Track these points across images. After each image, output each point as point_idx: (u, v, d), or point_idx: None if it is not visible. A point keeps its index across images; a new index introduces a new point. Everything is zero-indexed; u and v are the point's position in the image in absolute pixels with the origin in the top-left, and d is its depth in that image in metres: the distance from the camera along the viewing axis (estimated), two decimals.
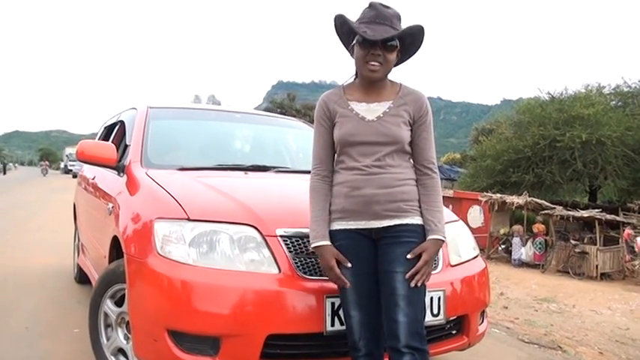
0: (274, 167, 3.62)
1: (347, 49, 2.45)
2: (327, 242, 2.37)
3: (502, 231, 14.40)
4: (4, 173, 56.65)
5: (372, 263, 2.36)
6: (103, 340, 3.07)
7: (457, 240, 3.09)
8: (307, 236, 2.51)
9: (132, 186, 3.22)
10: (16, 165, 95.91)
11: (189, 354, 2.41)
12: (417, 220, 2.37)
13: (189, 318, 2.40)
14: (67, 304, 4.90)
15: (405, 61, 2.49)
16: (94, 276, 3.99)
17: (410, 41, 2.40)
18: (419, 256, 2.31)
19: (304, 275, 2.47)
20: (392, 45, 2.32)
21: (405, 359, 2.20)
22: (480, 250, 13.03)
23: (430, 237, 2.35)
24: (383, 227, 2.34)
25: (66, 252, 6.65)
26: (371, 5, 2.35)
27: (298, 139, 4.45)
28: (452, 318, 2.82)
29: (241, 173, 3.40)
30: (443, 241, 2.38)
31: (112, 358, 3.00)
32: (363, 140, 2.37)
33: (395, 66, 2.43)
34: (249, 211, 2.63)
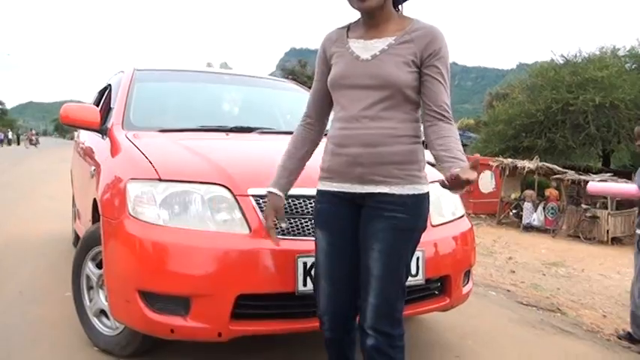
0: (258, 128, 3.57)
1: None
2: (275, 190, 2.23)
3: (513, 196, 14.28)
4: (18, 144, 57.39)
5: (352, 236, 2.09)
6: (86, 301, 3.09)
7: (441, 200, 3.03)
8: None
9: (112, 148, 3.19)
10: None
11: (160, 314, 2.41)
12: (407, 189, 1.99)
13: (159, 279, 2.39)
14: (63, 269, 4.90)
15: None
16: None
17: None
18: (402, 233, 2.00)
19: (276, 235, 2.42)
20: None
21: (368, 341, 2.01)
22: (491, 215, 12.96)
23: (454, 171, 1.79)
24: (367, 193, 2.02)
25: (67, 218, 6.69)
26: None
27: (288, 101, 4.38)
28: (432, 279, 2.78)
29: (223, 134, 3.36)
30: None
31: (95, 319, 3.03)
32: (352, 83, 2.03)
33: (400, 1, 2.11)
34: (221, 170, 2.60)
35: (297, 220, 2.50)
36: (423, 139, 2.07)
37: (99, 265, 3.00)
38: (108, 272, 2.66)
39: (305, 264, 2.38)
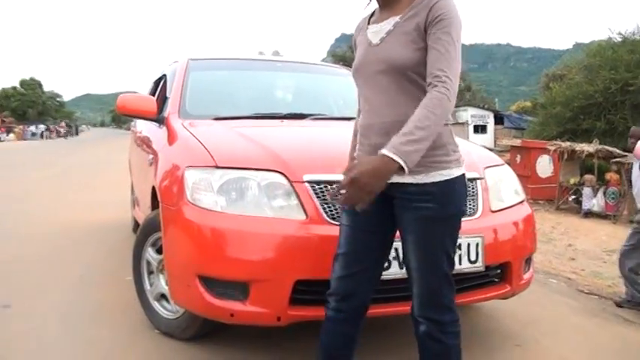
0: (312, 114, 3.56)
1: None
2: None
3: (572, 181, 13.88)
4: (77, 134, 59.29)
5: (376, 222, 2.01)
6: (147, 286, 3.17)
7: (500, 185, 2.97)
8: (336, 182, 2.46)
9: (169, 137, 3.25)
10: (89, 127, 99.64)
11: (219, 299, 2.45)
12: (432, 177, 1.88)
13: (218, 264, 2.43)
14: (122, 254, 5.05)
15: None
16: None
17: None
18: (432, 223, 1.90)
19: (332, 221, 2.42)
20: None
21: (420, 328, 1.98)
22: (550, 200, 12.63)
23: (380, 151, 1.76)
24: (391, 184, 1.85)
25: (126, 206, 6.88)
26: None
27: (341, 87, 4.36)
28: (492, 265, 2.72)
29: (277, 121, 3.38)
30: (391, 161, 1.71)
31: (155, 302, 3.11)
32: (366, 70, 1.98)
33: None
34: (277, 157, 2.61)
35: None
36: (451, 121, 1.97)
37: (159, 251, 3.06)
38: (168, 258, 2.72)
39: None
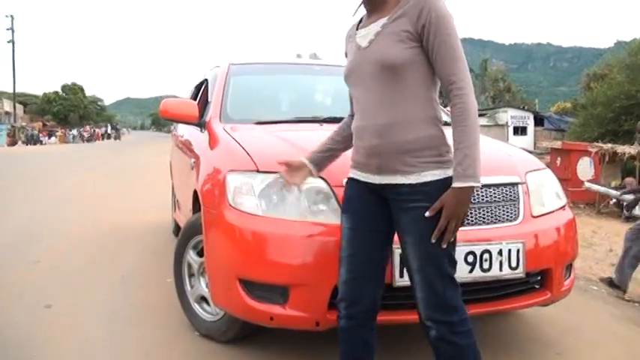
0: None
1: None
2: (305, 160, 2.35)
3: (613, 183, 13.57)
4: (119, 138, 60.66)
5: (376, 221, 2.07)
6: (187, 288, 3.22)
7: (541, 189, 2.93)
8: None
9: (211, 141, 3.30)
10: (129, 130, 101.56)
11: (259, 302, 2.48)
12: (428, 177, 1.91)
13: (258, 267, 2.46)
14: (163, 256, 5.15)
15: None
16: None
17: None
18: (427, 220, 1.91)
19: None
20: None
21: (431, 333, 1.99)
22: (590, 204, 12.36)
23: (452, 185, 1.87)
24: (385, 184, 1.97)
25: (166, 209, 6.99)
26: None
27: None
28: (533, 272, 2.70)
29: (316, 125, 3.39)
30: (465, 187, 1.85)
31: (196, 304, 3.15)
32: (357, 74, 2.02)
33: None
34: None
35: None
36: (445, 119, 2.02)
37: (200, 254, 3.11)
38: (209, 260, 2.76)
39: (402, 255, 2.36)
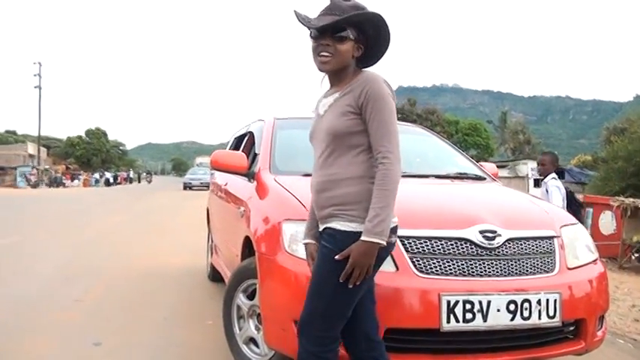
0: None
1: None
2: (310, 240, 2.45)
3: (635, 238, 13.48)
4: (139, 182, 61.48)
5: None
6: (236, 330, 3.36)
7: (575, 243, 3.09)
8: (424, 237, 2.67)
9: (261, 191, 3.50)
10: (151, 174, 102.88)
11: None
12: (340, 226, 2.17)
13: None
14: (201, 299, 5.35)
15: (379, 57, 2.35)
16: (227, 273, 4.34)
17: (374, 32, 2.25)
18: (324, 256, 2.21)
19: (421, 274, 2.61)
20: (342, 36, 2.19)
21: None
22: (612, 258, 12.27)
23: (361, 237, 2.10)
24: (323, 228, 2.29)
25: (198, 253, 7.19)
26: None
27: (415, 144, 4.56)
28: (568, 321, 2.83)
29: None
30: (370, 242, 2.08)
31: (244, 346, 3.29)
32: (314, 137, 2.38)
33: (371, 63, 2.34)
34: None
35: (440, 260, 2.65)
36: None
37: (250, 297, 3.28)
38: (264, 303, 2.92)
39: (449, 302, 2.52)
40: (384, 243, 2.10)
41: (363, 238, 2.09)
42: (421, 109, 51.56)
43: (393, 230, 2.24)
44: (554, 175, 6.49)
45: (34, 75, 51.79)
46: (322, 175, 2.26)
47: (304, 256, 2.66)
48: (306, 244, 2.48)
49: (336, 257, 2.13)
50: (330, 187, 2.22)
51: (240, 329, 3.36)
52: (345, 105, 2.21)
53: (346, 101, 2.21)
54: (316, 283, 2.24)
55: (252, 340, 3.28)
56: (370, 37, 2.26)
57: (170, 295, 5.54)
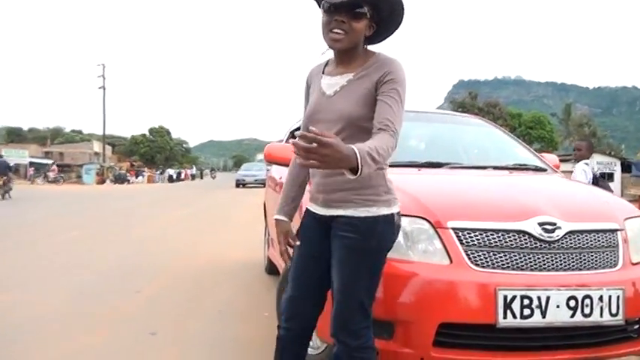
0: (448, 163, 3.67)
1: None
2: (281, 217, 2.41)
3: None
4: (202, 178, 63.04)
5: (322, 249, 2.22)
6: None
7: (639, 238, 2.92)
8: (479, 230, 2.58)
9: None
10: (215, 171, 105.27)
11: None
12: (362, 212, 2.10)
13: None
14: (257, 292, 5.38)
15: (386, 37, 2.24)
16: (282, 266, 4.34)
17: (388, 12, 2.15)
18: (352, 251, 2.11)
19: (476, 267, 2.52)
20: (359, 12, 2.07)
21: (334, 349, 2.21)
22: None
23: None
24: (330, 216, 2.19)
25: (255, 247, 7.25)
26: None
27: (473, 135, 4.45)
28: (631, 319, 2.67)
29: (415, 170, 3.51)
30: (354, 155, 1.72)
31: None
32: (318, 117, 2.20)
33: (376, 41, 2.22)
34: (421, 204, 2.73)
35: (496, 253, 2.55)
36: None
37: None
38: None
39: (505, 297, 2.42)
40: (358, 174, 1.75)
41: (353, 146, 1.74)
42: (483, 102, 50.65)
43: (399, 214, 2.23)
44: (587, 160, 6.63)
45: (98, 76, 53.54)
46: None
47: None
48: (279, 221, 2.41)
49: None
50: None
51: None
52: (363, 88, 2.11)
53: (363, 84, 2.11)
54: (349, 277, 2.13)
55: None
56: (383, 17, 2.16)
57: (227, 288, 5.61)
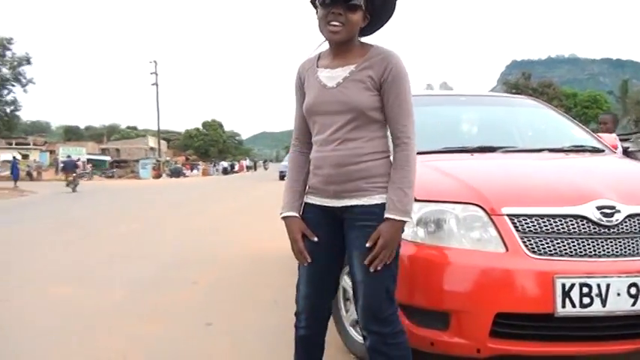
0: (501, 147, 3.57)
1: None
2: (294, 213, 2.32)
3: None
4: (255, 169, 63.75)
5: (332, 241, 2.26)
6: (343, 312, 3.34)
7: None
8: (536, 215, 2.49)
9: None
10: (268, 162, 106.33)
11: (420, 327, 2.55)
12: (377, 199, 2.14)
13: (418, 293, 2.54)
14: None
15: (379, 28, 2.29)
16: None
17: (381, 2, 2.20)
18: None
19: (533, 255, 2.43)
20: (354, 4, 2.11)
21: (366, 342, 2.20)
22: None
23: (385, 216, 2.08)
24: (343, 207, 2.19)
25: None
26: None
27: (527, 118, 4.34)
28: None
29: (467, 155, 3.43)
30: (401, 221, 2.06)
31: (351, 328, 3.26)
32: (321, 109, 2.21)
33: (369, 33, 2.27)
34: (474, 190, 2.67)
35: (553, 239, 2.46)
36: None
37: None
38: None
39: (564, 285, 2.34)
40: (411, 220, 2.12)
41: (394, 217, 2.06)
42: (536, 82, 49.36)
43: None
44: (614, 135, 6.33)
45: (151, 73, 54.54)
46: (342, 149, 2.16)
47: (408, 237, 2.60)
48: (292, 218, 2.32)
49: (367, 244, 2.09)
50: (354, 161, 2.14)
51: (346, 311, 3.33)
52: (366, 78, 2.15)
53: (367, 74, 2.15)
54: (374, 273, 2.12)
55: (358, 323, 3.23)
56: (377, 6, 2.20)
57: (281, 278, 5.62)
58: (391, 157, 2.19)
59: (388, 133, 2.21)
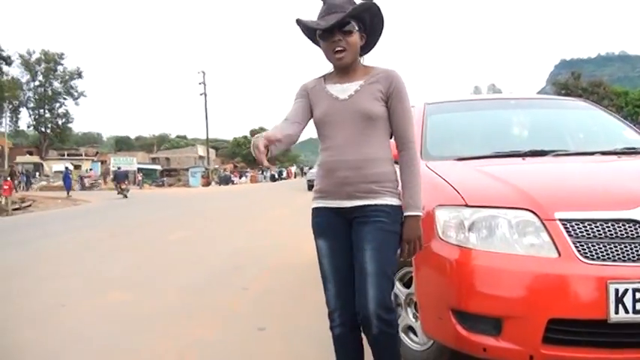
0: (553, 151, 3.52)
1: (319, 47, 2.51)
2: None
3: None
4: (302, 175, 64.37)
5: (347, 240, 2.48)
6: None
7: None
8: (588, 220, 2.47)
9: None
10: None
11: (471, 332, 2.54)
12: (388, 200, 2.41)
13: (470, 299, 2.54)
14: None
15: (377, 41, 2.58)
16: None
17: (370, 19, 2.46)
18: (387, 233, 2.39)
19: (586, 260, 2.41)
20: (349, 29, 2.39)
21: (374, 329, 2.33)
22: None
23: (405, 214, 2.41)
24: (354, 207, 2.42)
25: None
26: (323, 1, 2.44)
27: (578, 120, 4.28)
28: None
29: (519, 159, 3.41)
30: (418, 216, 2.41)
31: (402, 334, 3.27)
32: (335, 119, 2.45)
33: (369, 49, 2.58)
34: (526, 195, 2.65)
35: (606, 244, 2.43)
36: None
37: (406, 285, 3.26)
38: (420, 291, 2.90)
39: (617, 290, 2.30)
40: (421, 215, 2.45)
41: (412, 213, 2.41)
42: (586, 82, 48.02)
43: None
44: None
45: (199, 83, 55.41)
46: (357, 154, 2.40)
47: (459, 243, 2.63)
48: (258, 138, 2.15)
49: (405, 244, 2.43)
50: (367, 166, 2.40)
51: (397, 317, 3.35)
52: (376, 91, 2.44)
53: (376, 87, 2.45)
54: (386, 258, 2.39)
55: (410, 329, 3.26)
56: (367, 25, 2.48)
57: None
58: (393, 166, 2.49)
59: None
